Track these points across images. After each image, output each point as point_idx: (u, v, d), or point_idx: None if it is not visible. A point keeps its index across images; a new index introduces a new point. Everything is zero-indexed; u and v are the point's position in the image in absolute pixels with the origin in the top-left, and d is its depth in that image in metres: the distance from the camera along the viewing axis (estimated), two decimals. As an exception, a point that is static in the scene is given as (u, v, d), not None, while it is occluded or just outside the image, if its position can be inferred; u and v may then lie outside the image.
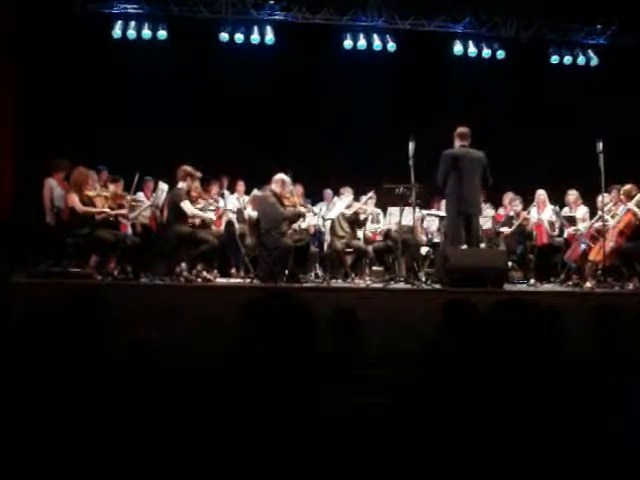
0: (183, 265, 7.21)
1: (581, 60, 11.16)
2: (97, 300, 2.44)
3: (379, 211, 9.07)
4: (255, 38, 10.51)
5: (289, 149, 9.97)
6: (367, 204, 8.91)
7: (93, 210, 7.14)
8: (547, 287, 7.91)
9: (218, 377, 1.96)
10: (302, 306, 1.95)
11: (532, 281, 8.21)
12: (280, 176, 7.58)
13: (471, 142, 7.33)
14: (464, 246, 7.20)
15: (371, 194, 8.87)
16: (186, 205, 7.24)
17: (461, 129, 7.34)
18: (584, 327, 2.79)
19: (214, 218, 7.88)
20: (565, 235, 8.47)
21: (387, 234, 8.85)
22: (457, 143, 7.31)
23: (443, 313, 2.69)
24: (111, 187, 7.82)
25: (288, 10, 10.55)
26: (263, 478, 1.71)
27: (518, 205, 8.77)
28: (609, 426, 1.90)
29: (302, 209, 8.00)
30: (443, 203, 9.26)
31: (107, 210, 7.27)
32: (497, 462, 1.85)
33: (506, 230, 8.73)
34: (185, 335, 5.07)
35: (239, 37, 10.48)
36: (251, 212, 8.31)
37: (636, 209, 7.44)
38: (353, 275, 8.68)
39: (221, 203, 8.57)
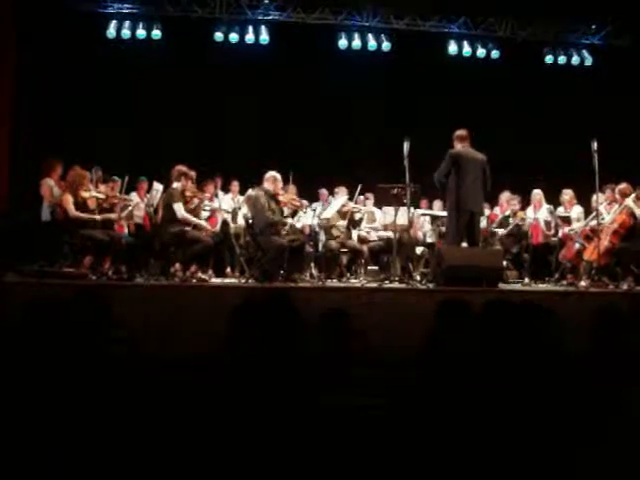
0: (177, 265, 7.19)
1: (575, 60, 11.19)
2: (95, 301, 2.43)
3: (374, 210, 9.06)
4: (250, 38, 10.51)
5: (283, 149, 9.96)
6: (364, 204, 8.89)
7: (84, 216, 7.11)
8: (542, 286, 7.91)
9: (213, 376, 1.95)
10: (294, 306, 1.95)
11: (527, 280, 8.21)
12: (271, 173, 7.56)
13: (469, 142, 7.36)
14: (464, 244, 7.22)
15: (367, 194, 8.85)
16: (178, 207, 7.20)
17: (460, 131, 7.36)
18: (578, 326, 2.79)
19: (205, 225, 7.74)
20: (560, 235, 8.48)
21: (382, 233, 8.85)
22: (458, 145, 7.33)
23: (437, 312, 2.68)
24: (102, 187, 7.81)
25: (282, 10, 10.55)
26: (261, 478, 1.70)
27: (516, 205, 8.78)
28: (603, 424, 1.90)
29: (297, 203, 8.02)
30: (435, 203, 9.29)
31: (96, 217, 7.24)
32: (494, 461, 1.84)
33: (501, 231, 8.72)
34: (180, 335, 5.06)
35: (234, 37, 10.48)
36: (246, 212, 8.29)
37: (631, 208, 7.45)
38: (348, 275, 8.68)
39: (216, 203, 8.55)
